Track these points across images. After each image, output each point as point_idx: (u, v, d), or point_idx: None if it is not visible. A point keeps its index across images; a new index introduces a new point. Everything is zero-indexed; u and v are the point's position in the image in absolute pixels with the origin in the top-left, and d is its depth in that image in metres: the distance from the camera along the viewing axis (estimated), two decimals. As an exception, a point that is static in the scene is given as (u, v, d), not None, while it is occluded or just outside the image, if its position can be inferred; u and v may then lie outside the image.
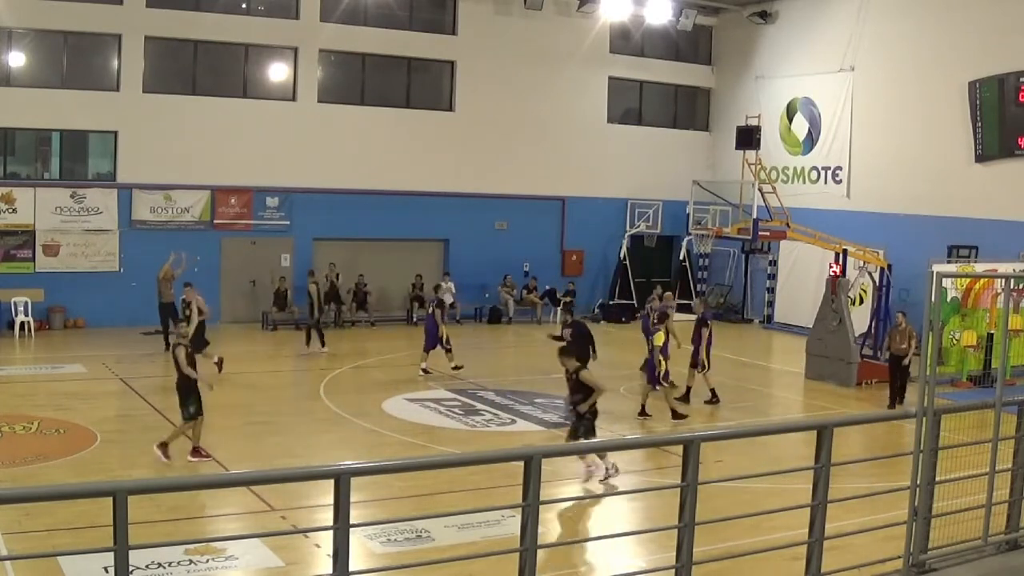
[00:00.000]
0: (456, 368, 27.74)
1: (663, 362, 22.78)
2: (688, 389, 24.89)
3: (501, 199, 39.53)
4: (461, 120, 39.14)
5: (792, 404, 26.65)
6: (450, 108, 39.40)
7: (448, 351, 27.92)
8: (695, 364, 25.02)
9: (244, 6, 36.31)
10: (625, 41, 42.10)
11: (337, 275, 35.46)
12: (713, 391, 24.96)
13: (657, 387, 22.88)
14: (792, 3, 40.36)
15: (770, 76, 41.27)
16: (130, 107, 34.21)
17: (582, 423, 17.50)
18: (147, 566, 12.86)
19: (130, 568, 7.11)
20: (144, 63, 34.62)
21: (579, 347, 22.21)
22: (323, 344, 30.51)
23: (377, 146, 37.37)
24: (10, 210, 33.15)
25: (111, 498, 7.01)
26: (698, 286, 41.91)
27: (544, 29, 39.64)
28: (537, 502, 8.47)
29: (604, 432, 21.52)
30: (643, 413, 23.06)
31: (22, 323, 32.33)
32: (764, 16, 41.16)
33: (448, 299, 36.46)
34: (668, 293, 28.86)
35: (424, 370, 27.77)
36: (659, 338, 23.00)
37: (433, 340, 27.90)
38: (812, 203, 37.89)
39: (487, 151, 39.15)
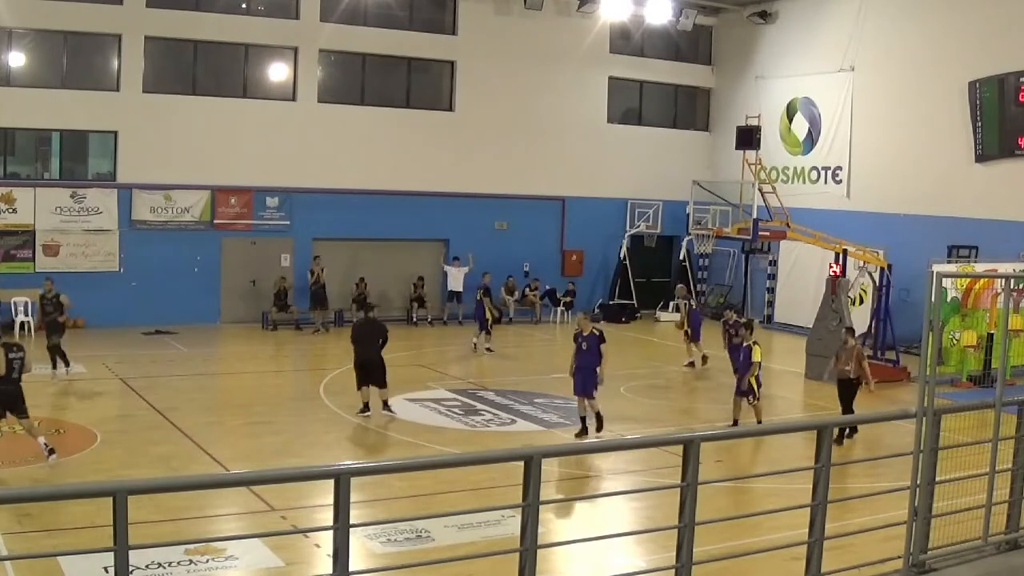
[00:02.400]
0: (488, 350, 31.51)
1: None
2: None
3: (501, 199, 39.53)
4: (461, 120, 39.14)
5: (792, 404, 26.62)
6: (450, 108, 39.40)
7: (488, 334, 31.57)
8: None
9: (244, 6, 36.32)
10: (625, 41, 42.10)
11: (322, 269, 35.37)
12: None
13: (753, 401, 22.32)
14: (792, 3, 40.36)
15: (770, 76, 41.27)
16: (130, 107, 34.22)
17: None
18: (147, 566, 12.86)
19: (130, 568, 7.11)
20: (144, 63, 34.63)
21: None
22: (67, 364, 26.62)
23: (377, 146, 37.36)
24: (10, 210, 33.17)
25: (111, 498, 7.01)
26: (697, 286, 41.95)
27: (544, 29, 39.64)
28: (537, 502, 8.47)
29: (604, 433, 21.52)
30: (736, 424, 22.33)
31: (22, 323, 32.34)
32: (764, 16, 41.16)
33: (457, 287, 36.77)
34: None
35: (488, 349, 31.58)
36: (757, 353, 22.44)
37: (482, 322, 31.52)
38: (812, 203, 37.87)
39: (487, 151, 39.15)
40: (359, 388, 22.68)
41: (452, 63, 39.22)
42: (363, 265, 36.99)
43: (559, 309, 39.55)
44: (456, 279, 37.35)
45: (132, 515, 7.03)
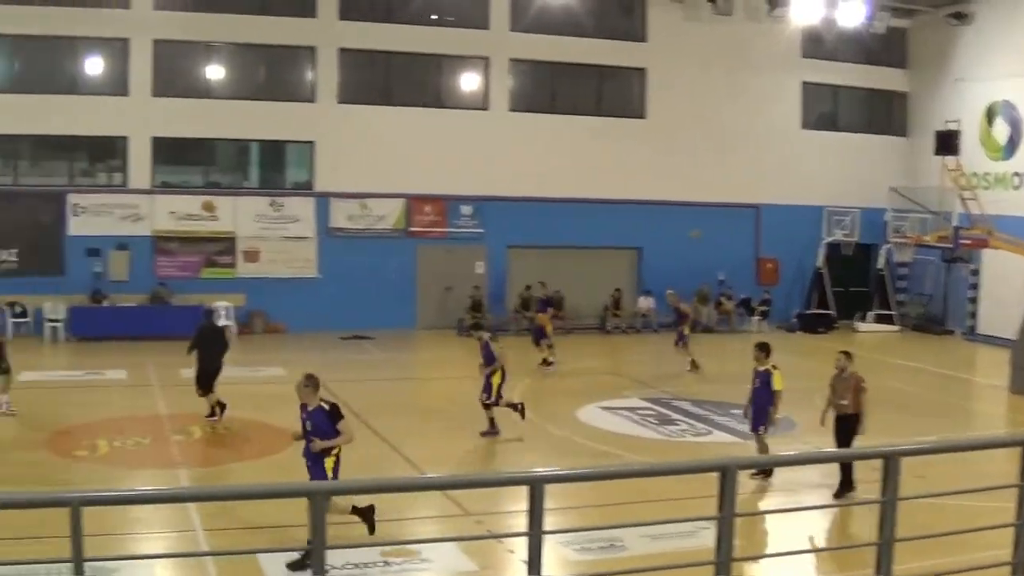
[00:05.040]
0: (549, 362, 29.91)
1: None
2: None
3: (694, 207, 39.23)
4: (653, 127, 38.99)
5: (995, 419, 25.82)
6: (641, 115, 39.28)
7: (549, 347, 30.02)
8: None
9: (435, 17, 36.77)
10: (817, 45, 41.30)
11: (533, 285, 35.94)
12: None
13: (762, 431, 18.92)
14: (989, 3, 39.20)
15: (969, 79, 40.15)
16: (326, 117, 35.01)
17: None
18: (343, 566, 13.05)
19: (327, 568, 7.20)
20: (339, 74, 35.34)
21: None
22: None
23: (569, 154, 37.43)
24: (212, 218, 34.15)
25: (307, 499, 7.13)
26: (897, 296, 41.11)
27: (734, 34, 39.18)
28: (732, 514, 8.34)
29: (801, 445, 21.18)
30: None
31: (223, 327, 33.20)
32: (959, 17, 39.97)
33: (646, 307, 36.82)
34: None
35: (546, 361, 29.94)
36: (778, 381, 18.61)
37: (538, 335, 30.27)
38: (1015, 210, 36.70)
39: (679, 158, 38.89)
40: (204, 395, 21.89)
41: (642, 70, 39.11)
42: (556, 273, 37.07)
43: (755, 318, 39.13)
44: (646, 305, 37.59)
45: (329, 516, 7.14)
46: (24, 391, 24.75)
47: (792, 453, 19.79)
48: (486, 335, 22.55)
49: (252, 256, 34.76)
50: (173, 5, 34.18)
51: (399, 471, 18.36)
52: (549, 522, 7.94)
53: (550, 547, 9.81)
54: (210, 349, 22.09)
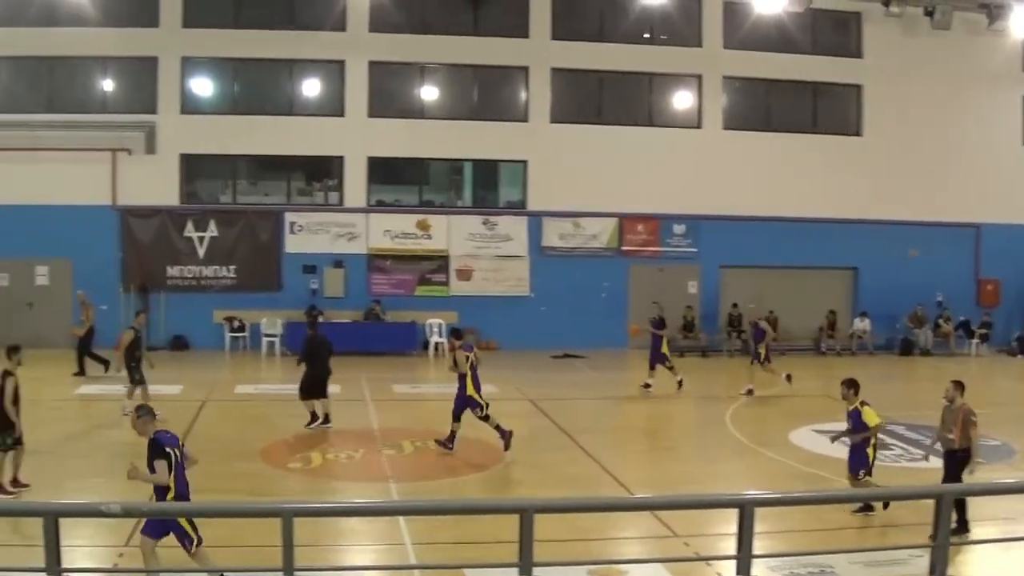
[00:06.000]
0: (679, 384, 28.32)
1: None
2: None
3: (912, 226, 38.29)
4: (869, 144, 38.26)
5: None
6: (857, 133, 38.58)
7: (671, 368, 28.49)
8: None
9: (647, 36, 36.76)
10: (1038, 58, 39.94)
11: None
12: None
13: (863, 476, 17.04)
14: None
15: None
16: (538, 137, 35.33)
17: None
18: (550, 584, 13.03)
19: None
20: (551, 93, 35.62)
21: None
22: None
23: (783, 172, 37.01)
24: (426, 236, 34.70)
25: (518, 515, 7.13)
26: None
27: (953, 49, 38.16)
28: (947, 542, 8.12)
29: (1019, 473, 20.48)
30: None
31: (436, 344, 33.73)
32: None
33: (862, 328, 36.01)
34: None
35: (646, 385, 28.39)
36: (871, 415, 16.93)
37: (655, 358, 28.62)
38: None
39: (896, 176, 38.03)
40: (305, 400, 22.99)
41: (858, 87, 38.41)
42: (770, 293, 36.65)
43: (974, 341, 38.06)
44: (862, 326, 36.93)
45: (538, 532, 7.12)
46: (240, 404, 25.68)
47: (1012, 481, 19.18)
48: (458, 343, 21.41)
49: (465, 274, 35.24)
50: (388, 27, 34.95)
51: (608, 491, 18.30)
52: (758, 545, 7.82)
53: (759, 571, 9.68)
54: (320, 358, 23.19)
